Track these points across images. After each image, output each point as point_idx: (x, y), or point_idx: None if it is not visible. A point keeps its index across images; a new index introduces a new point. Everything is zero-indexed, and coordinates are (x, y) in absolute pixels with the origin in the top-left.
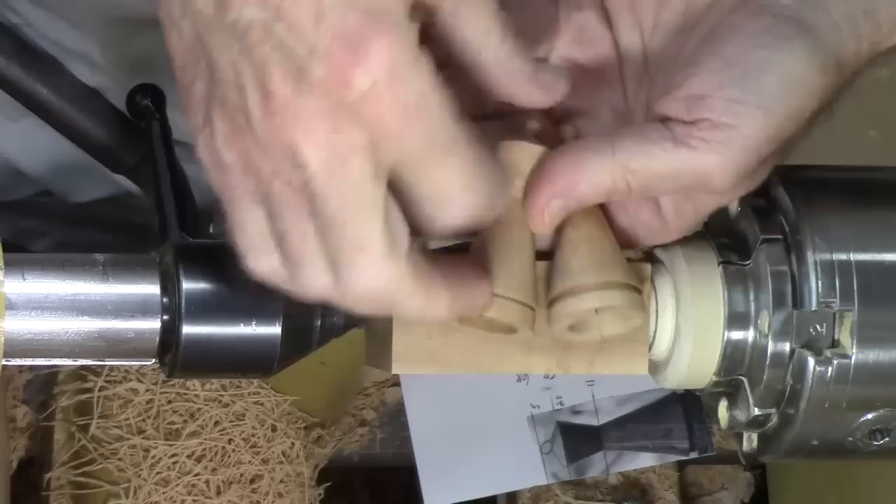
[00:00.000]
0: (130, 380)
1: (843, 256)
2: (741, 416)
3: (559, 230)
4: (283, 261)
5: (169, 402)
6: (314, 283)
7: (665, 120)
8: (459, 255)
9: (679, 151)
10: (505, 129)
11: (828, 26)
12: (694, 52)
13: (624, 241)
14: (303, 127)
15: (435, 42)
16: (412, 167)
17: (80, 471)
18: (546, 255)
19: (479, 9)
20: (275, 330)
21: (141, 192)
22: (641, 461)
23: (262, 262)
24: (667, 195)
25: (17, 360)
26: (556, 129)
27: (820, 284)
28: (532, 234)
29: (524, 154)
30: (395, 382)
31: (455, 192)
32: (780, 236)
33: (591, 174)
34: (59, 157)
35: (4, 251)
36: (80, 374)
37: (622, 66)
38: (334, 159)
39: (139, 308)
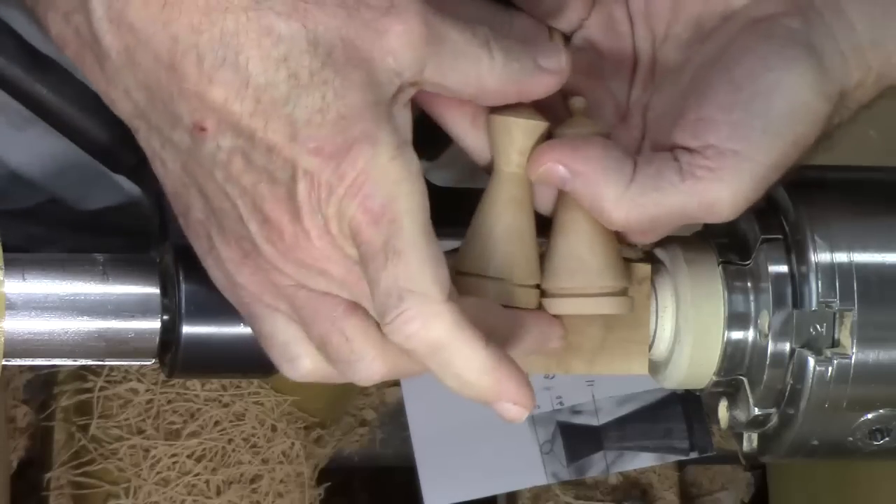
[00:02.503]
0: (130, 380)
1: (843, 256)
2: (741, 416)
3: (565, 210)
4: (329, 361)
5: (169, 402)
6: (368, 373)
7: (674, 148)
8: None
9: (685, 183)
10: None
11: (835, 54)
12: (703, 74)
13: None
14: (307, 245)
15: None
16: (365, 265)
17: (80, 471)
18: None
19: (458, 46)
20: None
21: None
22: (641, 461)
23: (300, 366)
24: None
25: (17, 360)
26: (562, 102)
27: (820, 284)
28: (532, 214)
29: (515, 129)
30: (395, 382)
31: (393, 299)
32: (780, 236)
33: (602, 186)
34: (67, 165)
35: (4, 251)
36: (80, 374)
37: (634, 67)
38: (349, 262)
39: (139, 308)
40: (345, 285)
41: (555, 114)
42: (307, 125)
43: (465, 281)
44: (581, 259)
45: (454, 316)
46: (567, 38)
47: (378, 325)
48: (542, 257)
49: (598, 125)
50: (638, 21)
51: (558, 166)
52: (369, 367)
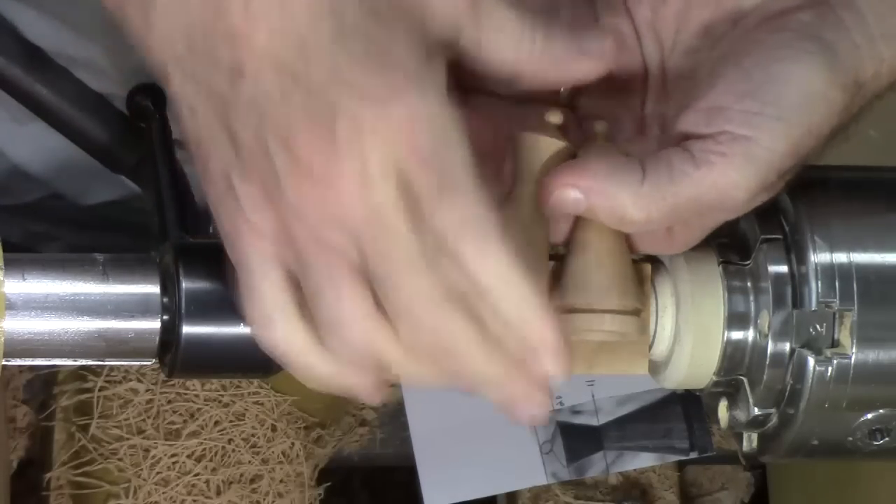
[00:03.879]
0: (130, 380)
1: (843, 256)
2: (741, 416)
3: (578, 230)
4: (314, 325)
5: (169, 402)
6: (349, 340)
7: (684, 139)
8: None
9: (699, 171)
10: (524, 118)
11: (847, 46)
12: (714, 66)
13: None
14: (336, 188)
15: (466, 70)
16: (425, 204)
17: (80, 471)
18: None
19: (500, 22)
20: None
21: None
22: (641, 461)
23: (274, 329)
24: (688, 221)
25: (17, 360)
26: (578, 127)
27: (820, 284)
28: (547, 232)
29: (542, 148)
30: (395, 382)
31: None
32: (780, 236)
33: (617, 193)
34: (69, 160)
35: (5, 251)
36: (80, 374)
37: (646, 78)
38: (374, 215)
39: (139, 308)
40: (359, 240)
41: (574, 139)
42: (351, 69)
43: None
44: (588, 277)
45: (511, 254)
46: None
47: (373, 297)
48: (553, 276)
49: (620, 148)
50: (645, 33)
51: (568, 189)
52: (351, 334)
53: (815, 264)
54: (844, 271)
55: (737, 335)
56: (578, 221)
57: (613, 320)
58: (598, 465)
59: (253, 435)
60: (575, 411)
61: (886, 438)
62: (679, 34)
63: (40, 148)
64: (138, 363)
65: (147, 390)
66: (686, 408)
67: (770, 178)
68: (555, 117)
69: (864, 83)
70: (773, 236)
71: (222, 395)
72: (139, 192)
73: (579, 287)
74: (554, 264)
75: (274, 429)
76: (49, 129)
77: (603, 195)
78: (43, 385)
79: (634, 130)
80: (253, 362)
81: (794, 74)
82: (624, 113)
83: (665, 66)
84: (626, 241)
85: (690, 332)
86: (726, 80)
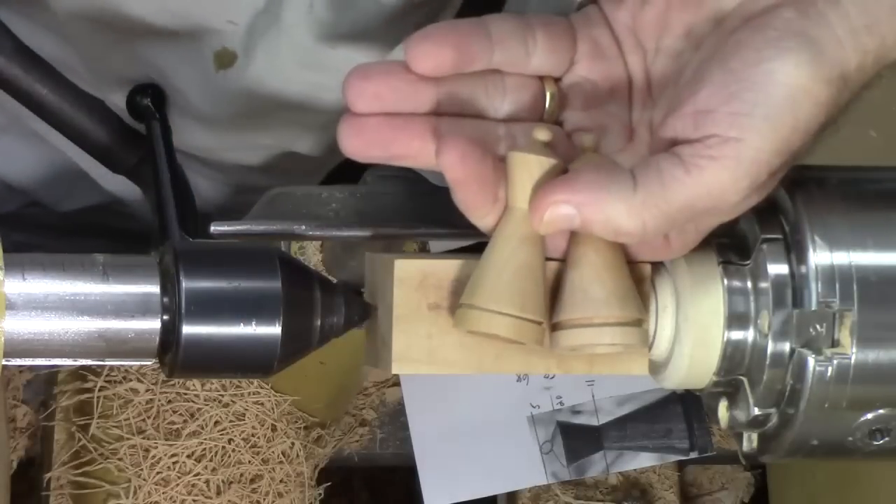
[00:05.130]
0: (130, 380)
1: (842, 256)
2: (741, 416)
3: (574, 244)
4: None
5: (169, 402)
6: None
7: (673, 144)
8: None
9: (690, 176)
10: (514, 137)
11: (831, 40)
12: (698, 68)
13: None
14: None
15: None
16: None
17: (80, 471)
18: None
19: None
20: (275, 330)
21: (129, 198)
22: (641, 461)
23: None
24: (682, 226)
25: (17, 360)
26: (567, 141)
27: (820, 284)
28: (542, 249)
29: (534, 166)
30: (395, 382)
31: None
32: (780, 236)
33: (610, 205)
34: (45, 169)
35: (4, 251)
36: (80, 374)
37: (630, 84)
38: None
39: (139, 308)
40: None
41: (563, 153)
42: None
43: (475, 315)
44: (587, 291)
45: None
46: (558, 80)
47: None
48: (553, 291)
49: (609, 159)
50: (625, 42)
51: (560, 206)
52: None
53: (815, 264)
54: (844, 271)
55: (737, 335)
56: (574, 236)
57: (615, 333)
58: (598, 465)
59: (253, 435)
60: (575, 411)
61: (886, 438)
62: (661, 39)
63: (15, 160)
64: (138, 363)
65: (147, 390)
66: (686, 408)
67: (761, 178)
68: (542, 134)
69: (850, 76)
70: (773, 236)
71: (222, 395)
72: (117, 197)
73: (579, 302)
74: (553, 280)
75: (274, 429)
76: (21, 142)
77: (595, 208)
78: (43, 385)
79: (624, 138)
80: (253, 362)
81: (778, 73)
82: (611, 122)
83: (649, 72)
84: (624, 250)
85: (690, 332)
86: (711, 82)
